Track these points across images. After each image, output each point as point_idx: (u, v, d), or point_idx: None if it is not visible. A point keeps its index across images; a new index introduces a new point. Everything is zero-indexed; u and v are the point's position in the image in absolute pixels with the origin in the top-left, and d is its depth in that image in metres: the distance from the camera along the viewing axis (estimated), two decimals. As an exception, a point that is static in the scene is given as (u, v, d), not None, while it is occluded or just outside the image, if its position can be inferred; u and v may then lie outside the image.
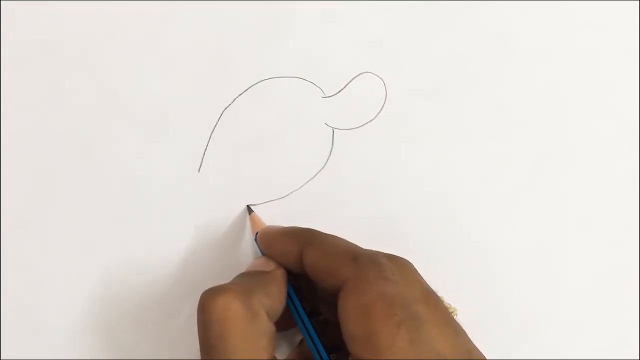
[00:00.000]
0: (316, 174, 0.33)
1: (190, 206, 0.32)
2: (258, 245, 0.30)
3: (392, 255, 0.27)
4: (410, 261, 0.27)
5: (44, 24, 0.31)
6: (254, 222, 0.32)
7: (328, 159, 0.34)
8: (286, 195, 0.33)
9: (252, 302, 0.25)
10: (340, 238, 0.28)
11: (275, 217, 0.32)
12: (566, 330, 0.35)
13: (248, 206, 0.32)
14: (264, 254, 0.30)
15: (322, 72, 0.33)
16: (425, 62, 0.34)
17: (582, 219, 0.35)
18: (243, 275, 0.28)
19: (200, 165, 0.32)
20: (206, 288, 0.32)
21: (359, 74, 0.34)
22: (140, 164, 0.32)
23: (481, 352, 0.27)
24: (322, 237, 0.28)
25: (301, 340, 0.31)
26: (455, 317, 0.30)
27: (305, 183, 0.33)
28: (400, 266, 0.26)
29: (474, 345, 0.27)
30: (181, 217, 0.32)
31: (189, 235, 0.32)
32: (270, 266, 0.29)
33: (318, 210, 0.33)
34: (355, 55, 0.34)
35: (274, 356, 0.26)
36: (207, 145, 0.32)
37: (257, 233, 0.31)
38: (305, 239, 0.28)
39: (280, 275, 0.28)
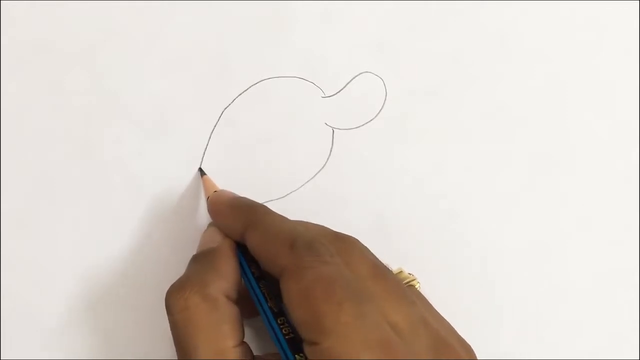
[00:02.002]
0: (316, 174, 0.33)
1: (190, 206, 0.32)
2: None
3: (337, 234, 0.27)
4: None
5: (44, 24, 0.31)
6: (206, 185, 0.31)
7: (328, 159, 0.34)
8: (286, 195, 0.33)
9: (208, 291, 0.26)
10: (283, 219, 0.28)
11: (275, 217, 0.32)
12: (566, 330, 0.35)
13: (200, 169, 0.32)
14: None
15: (322, 72, 0.33)
16: (425, 62, 0.34)
17: (582, 219, 0.35)
18: (194, 260, 0.28)
19: (200, 165, 0.32)
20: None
21: (359, 74, 0.34)
22: (140, 164, 0.32)
23: (441, 319, 0.27)
24: (266, 218, 0.27)
25: None
26: (416, 285, 0.30)
27: (305, 183, 0.33)
28: (344, 246, 0.26)
29: (435, 312, 0.27)
30: (181, 217, 0.32)
31: (189, 235, 0.32)
32: (217, 239, 0.28)
33: (318, 210, 0.33)
34: (355, 55, 0.34)
35: (241, 339, 0.26)
36: (207, 145, 0.32)
37: (208, 197, 0.30)
38: (249, 219, 0.27)
39: (227, 248, 0.28)
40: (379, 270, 0.26)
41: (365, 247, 0.27)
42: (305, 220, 0.29)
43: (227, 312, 0.26)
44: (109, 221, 0.32)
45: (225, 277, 0.27)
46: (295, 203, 0.33)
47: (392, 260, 0.31)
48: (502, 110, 0.35)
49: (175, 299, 0.26)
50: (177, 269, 0.32)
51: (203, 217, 0.32)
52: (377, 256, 0.28)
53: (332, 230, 0.28)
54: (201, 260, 0.28)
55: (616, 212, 0.35)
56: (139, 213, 0.32)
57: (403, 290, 0.26)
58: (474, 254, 0.34)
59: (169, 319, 0.26)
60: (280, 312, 0.26)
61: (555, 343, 0.35)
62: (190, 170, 0.32)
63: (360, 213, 0.34)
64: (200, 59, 0.32)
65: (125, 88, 0.32)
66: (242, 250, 0.28)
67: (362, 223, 0.34)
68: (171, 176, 0.32)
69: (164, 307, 0.26)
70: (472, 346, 0.27)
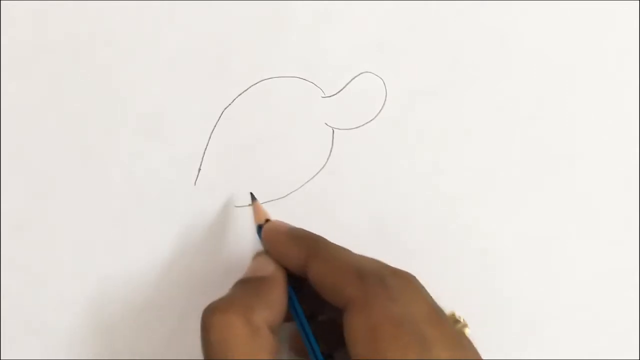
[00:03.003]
0: (316, 174, 0.33)
1: (190, 206, 0.32)
2: (260, 239, 0.30)
3: (397, 270, 0.27)
4: (415, 275, 0.27)
5: (44, 24, 0.31)
6: (257, 211, 0.31)
7: (328, 159, 0.34)
8: (286, 195, 0.33)
9: (252, 318, 0.25)
10: (346, 250, 0.27)
11: (275, 217, 0.32)
12: (566, 330, 0.35)
13: (251, 193, 0.32)
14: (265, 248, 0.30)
15: (322, 72, 0.33)
16: (425, 62, 0.34)
17: (582, 219, 0.35)
18: (242, 284, 0.28)
19: (200, 165, 0.32)
20: (206, 288, 0.32)
21: (359, 74, 0.34)
22: (140, 164, 0.32)
23: None
24: (329, 249, 0.27)
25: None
26: (466, 330, 0.30)
27: (305, 183, 0.33)
28: (406, 284, 0.26)
29: None
30: (181, 217, 0.32)
31: (189, 235, 0.32)
32: (269, 268, 0.28)
33: (318, 210, 0.33)
34: (355, 55, 0.34)
35: None
36: (207, 145, 0.33)
37: (259, 225, 0.30)
38: (311, 249, 0.27)
39: (280, 279, 0.28)
40: (437, 313, 0.26)
41: (422, 286, 0.27)
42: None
43: (267, 342, 0.25)
44: (108, 221, 0.32)
45: (271, 308, 0.26)
46: (295, 203, 0.33)
47: (392, 260, 0.31)
48: (502, 110, 0.35)
49: (216, 317, 0.25)
50: (177, 270, 0.32)
51: (203, 217, 0.32)
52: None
53: (391, 266, 0.27)
54: (250, 286, 0.27)
55: (616, 212, 0.35)
56: (139, 213, 0.32)
57: (459, 338, 0.25)
58: (474, 254, 0.34)
59: (202, 335, 0.25)
60: (329, 355, 0.26)
61: (556, 343, 0.35)
62: (190, 170, 0.32)
63: (360, 213, 0.34)
64: (200, 59, 0.32)
65: (125, 88, 0.32)
66: (294, 287, 0.28)
67: (362, 223, 0.34)
68: (171, 176, 0.32)
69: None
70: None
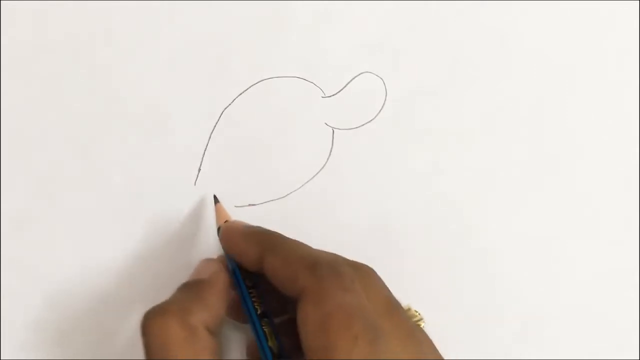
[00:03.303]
0: (316, 174, 0.33)
1: (189, 206, 0.32)
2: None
3: (354, 262, 0.27)
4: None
5: (44, 24, 0.31)
6: (219, 214, 0.31)
7: (328, 159, 0.34)
8: (286, 195, 0.33)
9: (189, 320, 0.25)
10: (301, 244, 0.28)
11: (275, 217, 0.32)
12: (566, 330, 0.35)
13: (215, 196, 0.32)
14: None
15: (322, 72, 0.33)
16: (425, 62, 0.34)
17: (582, 219, 0.35)
18: (183, 287, 0.28)
19: (200, 165, 0.32)
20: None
21: (359, 74, 0.34)
22: (139, 164, 0.32)
23: None
24: (283, 243, 0.27)
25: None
26: (422, 324, 0.30)
27: (305, 183, 0.33)
28: (362, 275, 0.26)
29: (439, 355, 0.27)
30: (181, 217, 0.32)
31: (189, 235, 0.32)
32: (210, 270, 0.28)
33: (318, 210, 0.33)
34: (355, 55, 0.34)
35: None
36: (207, 145, 0.33)
37: (219, 227, 0.30)
38: (266, 245, 0.27)
39: (219, 281, 0.28)
40: (392, 305, 0.26)
41: (380, 278, 0.27)
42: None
43: (205, 344, 0.25)
44: (108, 221, 0.32)
45: (209, 309, 0.26)
46: (295, 203, 0.33)
47: (392, 260, 0.31)
48: (502, 110, 0.35)
49: (153, 321, 0.25)
50: (177, 270, 0.32)
51: (203, 217, 0.32)
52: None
53: (348, 259, 0.27)
54: (189, 289, 0.28)
55: (616, 212, 0.35)
56: (139, 213, 0.32)
57: (413, 330, 0.26)
58: (474, 254, 0.34)
59: (142, 341, 0.25)
60: (280, 354, 0.26)
61: (555, 343, 0.35)
62: (190, 170, 0.32)
63: (360, 213, 0.34)
64: (200, 59, 0.32)
65: (125, 88, 0.32)
66: (253, 286, 0.28)
67: (362, 223, 0.34)
68: (171, 176, 0.32)
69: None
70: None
